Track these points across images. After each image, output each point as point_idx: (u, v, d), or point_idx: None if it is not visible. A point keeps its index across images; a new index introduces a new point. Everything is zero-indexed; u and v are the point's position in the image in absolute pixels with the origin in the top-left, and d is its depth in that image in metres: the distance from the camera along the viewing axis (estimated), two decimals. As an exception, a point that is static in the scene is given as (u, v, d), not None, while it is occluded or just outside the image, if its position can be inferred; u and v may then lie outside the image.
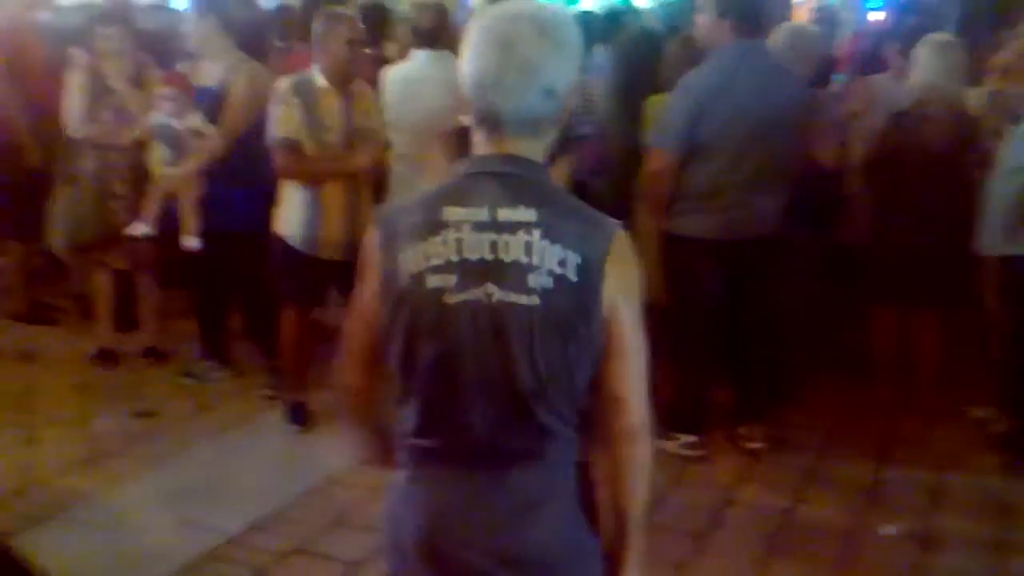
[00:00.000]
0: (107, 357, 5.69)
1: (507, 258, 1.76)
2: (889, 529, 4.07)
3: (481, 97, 1.78)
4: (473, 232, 1.78)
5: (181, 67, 5.39)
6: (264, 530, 4.04)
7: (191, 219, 5.19)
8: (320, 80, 4.55)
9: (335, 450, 4.64)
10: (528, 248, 1.76)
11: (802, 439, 4.86)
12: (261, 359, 5.45)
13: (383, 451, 2.03)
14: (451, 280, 1.77)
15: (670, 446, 4.61)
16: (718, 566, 3.84)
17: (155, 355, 5.74)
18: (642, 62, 5.32)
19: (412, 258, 1.79)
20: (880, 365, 5.14)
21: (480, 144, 1.84)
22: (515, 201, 1.79)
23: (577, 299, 1.76)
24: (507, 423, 1.81)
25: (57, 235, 5.63)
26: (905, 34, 5.37)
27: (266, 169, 4.66)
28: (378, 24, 6.42)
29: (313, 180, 4.61)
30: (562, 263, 1.75)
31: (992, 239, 4.49)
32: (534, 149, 1.83)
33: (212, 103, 5.14)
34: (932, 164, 4.69)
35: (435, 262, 1.78)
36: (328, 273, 4.68)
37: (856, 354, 5.41)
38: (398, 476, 1.96)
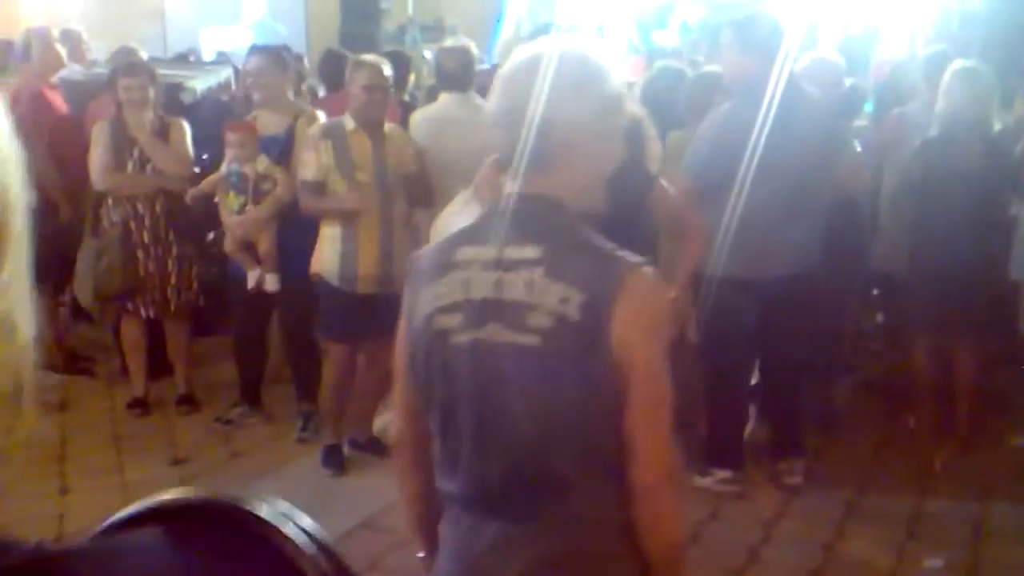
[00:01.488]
0: (140, 406, 5.71)
1: (508, 297, 1.74)
2: (934, 562, 3.98)
3: (503, 134, 1.78)
4: (480, 271, 1.77)
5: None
6: (299, 577, 4.00)
7: (272, 260, 5.20)
8: (349, 123, 4.67)
9: (369, 494, 4.66)
10: (529, 286, 1.73)
11: (841, 473, 4.78)
12: (301, 402, 5.43)
13: (424, 500, 1.97)
14: (457, 320, 1.77)
15: (707, 482, 4.55)
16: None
17: (188, 403, 5.75)
18: (664, 98, 5.31)
19: (425, 299, 1.81)
20: (918, 394, 5.06)
21: (507, 183, 1.83)
22: (523, 239, 1.76)
23: (581, 339, 1.69)
24: (518, 470, 1.76)
25: (84, 287, 5.67)
26: (930, 62, 5.34)
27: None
28: (401, 72, 6.50)
29: (346, 218, 4.72)
30: (564, 301, 1.69)
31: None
32: (558, 186, 1.77)
33: (278, 150, 5.19)
34: (962, 191, 4.64)
35: (444, 302, 1.79)
36: (367, 308, 4.71)
37: (894, 384, 5.35)
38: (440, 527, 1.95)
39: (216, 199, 5.28)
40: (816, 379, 4.92)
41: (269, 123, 5.26)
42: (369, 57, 4.98)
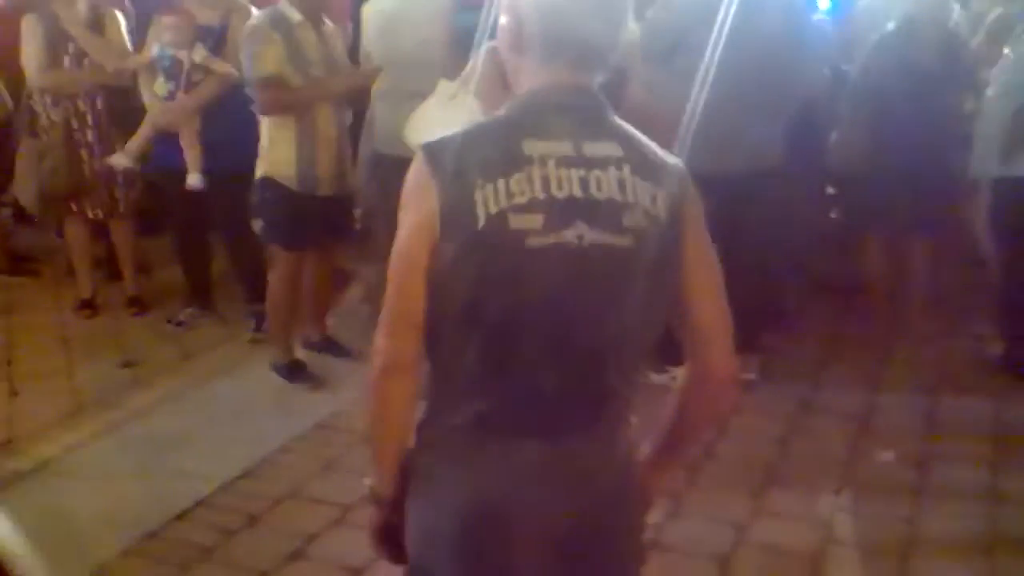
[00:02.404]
0: (88, 308, 5.61)
1: (600, 195, 1.63)
2: (886, 455, 4.05)
3: (560, 25, 1.65)
4: (559, 168, 1.63)
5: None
6: (255, 476, 3.99)
7: (195, 155, 5.05)
8: (295, 15, 4.47)
9: (325, 394, 4.64)
10: (622, 184, 1.65)
11: (795, 369, 4.83)
12: (251, 302, 5.35)
13: (407, 431, 1.81)
14: (537, 221, 1.61)
15: (663, 379, 4.52)
16: (713, 499, 3.79)
17: (137, 304, 5.65)
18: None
19: (491, 196, 1.61)
20: (872, 292, 5.10)
21: (539, 75, 1.69)
22: (598, 135, 1.67)
23: (667, 238, 1.66)
24: (573, 384, 1.69)
25: (25, 188, 5.50)
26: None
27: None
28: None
29: (301, 112, 4.53)
30: (654, 200, 1.66)
31: (984, 162, 4.43)
32: (596, 82, 1.72)
33: (212, 42, 5.03)
34: (918, 87, 4.60)
35: (518, 201, 1.61)
36: (321, 211, 4.64)
37: (848, 281, 5.38)
38: (422, 459, 1.78)
39: (140, 82, 5.12)
40: (770, 276, 4.92)
41: (202, 14, 5.08)
42: None
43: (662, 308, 1.71)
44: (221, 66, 4.98)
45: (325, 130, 4.59)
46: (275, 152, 4.57)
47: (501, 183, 1.61)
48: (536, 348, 1.65)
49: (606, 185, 1.63)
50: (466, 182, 1.61)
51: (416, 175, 1.68)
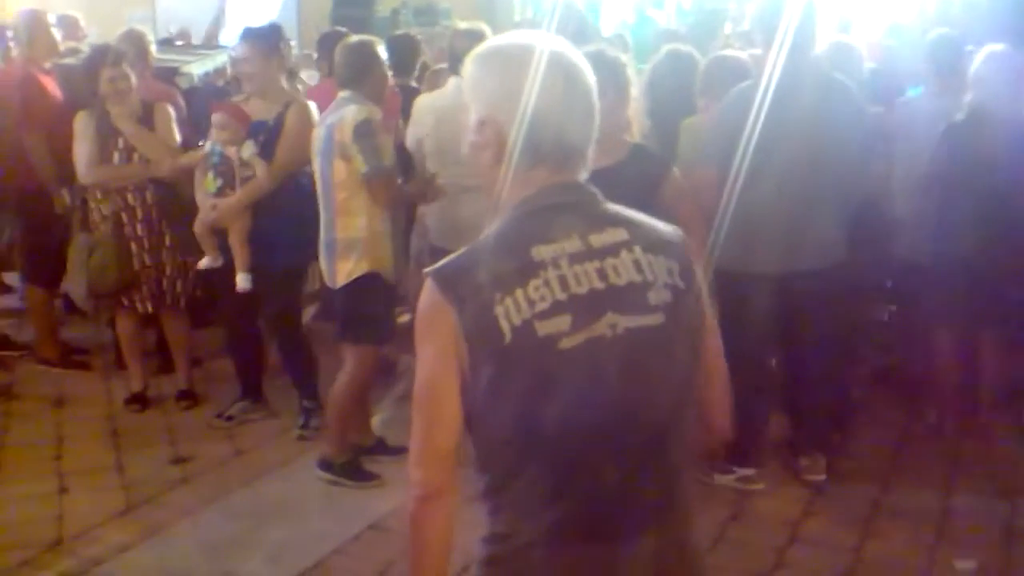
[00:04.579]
0: (139, 402, 5.56)
1: (620, 281, 1.65)
2: (967, 564, 3.86)
3: (546, 129, 1.67)
4: (573, 265, 1.64)
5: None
6: (308, 582, 3.88)
7: (244, 255, 5.02)
8: (377, 113, 4.50)
9: (377, 494, 4.52)
10: (638, 265, 1.68)
11: (864, 469, 4.66)
12: (301, 398, 5.28)
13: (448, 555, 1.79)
14: (564, 322, 1.60)
15: (729, 480, 4.42)
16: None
17: (189, 398, 5.60)
18: (675, 83, 5.15)
19: (512, 308, 1.60)
20: (941, 387, 4.94)
21: (528, 178, 1.70)
22: (601, 225, 1.70)
23: (691, 305, 1.71)
24: (639, 475, 1.68)
25: (76, 284, 5.50)
26: (938, 47, 5.18)
27: (310, 204, 4.60)
28: (406, 56, 6.35)
29: (391, 211, 4.59)
30: (671, 272, 1.70)
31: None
32: (583, 176, 1.75)
33: (264, 137, 5.03)
34: (989, 178, 4.50)
35: (541, 307, 1.60)
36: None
37: (910, 376, 5.23)
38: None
39: (195, 179, 5.12)
40: (834, 373, 4.79)
41: (258, 109, 5.09)
42: (369, 39, 4.77)
43: (698, 373, 1.76)
44: (260, 166, 4.97)
45: (397, 226, 4.66)
46: (376, 248, 4.50)
47: (520, 293, 1.60)
48: (596, 447, 1.65)
49: (624, 270, 1.66)
50: (484, 300, 1.60)
51: (429, 302, 1.66)
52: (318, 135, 4.54)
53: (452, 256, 1.69)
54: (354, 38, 4.75)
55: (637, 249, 1.68)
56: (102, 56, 5.32)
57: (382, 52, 4.62)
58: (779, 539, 4.09)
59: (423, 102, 5.02)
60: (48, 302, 6.24)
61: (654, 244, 1.70)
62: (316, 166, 4.56)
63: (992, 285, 4.53)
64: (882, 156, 4.87)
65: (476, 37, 4.74)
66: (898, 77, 5.80)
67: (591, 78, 1.72)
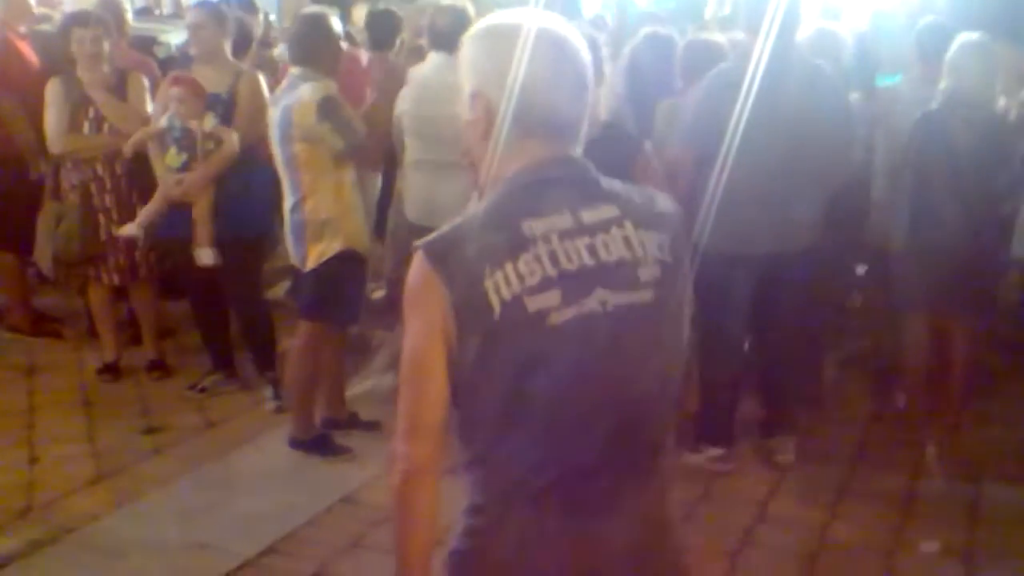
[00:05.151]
0: (111, 372, 5.53)
1: (611, 258, 1.65)
2: (931, 546, 3.92)
3: (535, 101, 1.67)
4: (564, 240, 1.64)
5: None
6: (281, 553, 3.88)
7: (205, 228, 4.99)
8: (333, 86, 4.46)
9: (349, 467, 4.54)
10: (628, 242, 1.67)
11: (832, 451, 4.71)
12: (264, 370, 5.29)
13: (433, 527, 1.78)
14: (554, 298, 1.61)
15: (698, 459, 4.46)
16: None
17: (159, 368, 5.58)
18: (654, 66, 5.15)
19: (502, 283, 1.59)
20: (911, 372, 4.99)
21: (521, 152, 1.69)
22: (593, 200, 1.69)
23: (678, 280, 1.71)
24: (625, 448, 1.70)
25: (43, 252, 5.46)
26: (926, 34, 5.21)
27: (264, 174, 4.60)
28: (388, 30, 6.34)
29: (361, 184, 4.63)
30: (661, 248, 1.70)
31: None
32: (576, 151, 1.74)
33: (221, 109, 5.00)
34: (963, 168, 4.54)
35: (531, 282, 1.60)
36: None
37: (880, 361, 5.29)
38: (477, 553, 1.75)
39: (151, 153, 5.08)
40: (805, 356, 4.84)
41: (210, 80, 5.05)
42: (319, 10, 4.65)
43: (684, 347, 1.77)
44: (230, 136, 4.95)
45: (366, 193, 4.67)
46: (348, 223, 4.47)
47: (509, 268, 1.60)
48: (581, 423, 1.66)
49: (614, 246, 1.66)
50: (473, 273, 1.60)
51: (419, 275, 1.65)
52: (274, 117, 4.46)
53: (442, 229, 1.68)
54: (307, 11, 4.65)
55: (628, 225, 1.68)
56: (75, 20, 5.27)
57: (336, 25, 4.53)
58: (747, 518, 4.14)
59: (415, 70, 5.01)
60: (19, 269, 6.18)
61: (645, 219, 1.70)
62: (275, 148, 4.47)
63: (963, 272, 4.56)
64: (862, 142, 4.90)
65: (458, 14, 4.75)
66: (880, 64, 5.82)
67: (585, 55, 1.72)
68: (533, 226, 1.64)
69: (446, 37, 4.68)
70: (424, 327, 1.64)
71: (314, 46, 4.43)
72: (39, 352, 5.90)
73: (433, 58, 4.84)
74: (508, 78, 1.67)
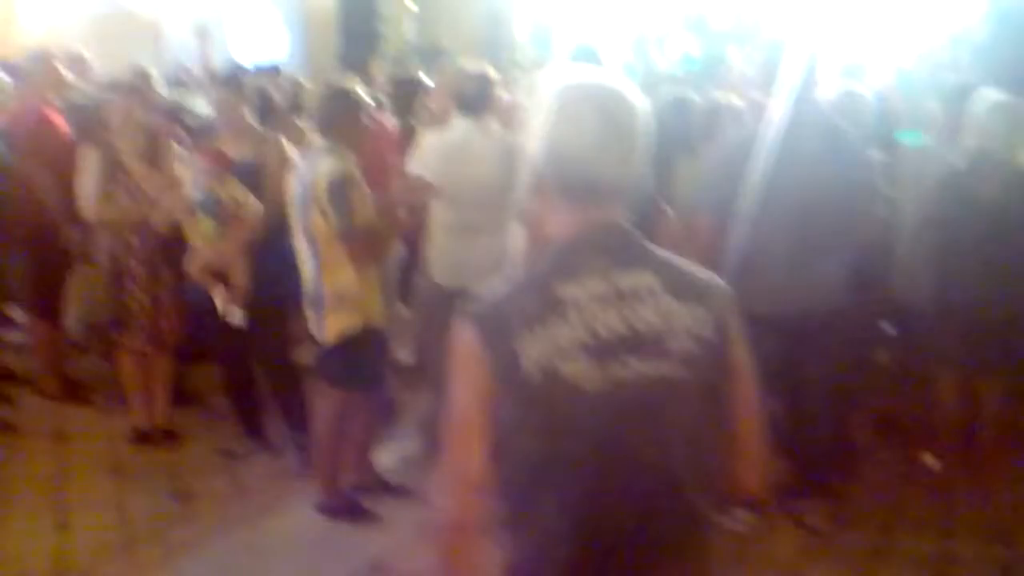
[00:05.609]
0: (141, 437, 5.56)
1: (642, 327, 1.66)
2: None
3: (583, 167, 1.70)
4: (597, 306, 1.66)
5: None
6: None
7: (238, 292, 5.06)
8: (352, 158, 4.46)
9: (377, 533, 4.52)
10: (662, 312, 1.68)
11: (864, 513, 4.66)
12: (293, 433, 5.28)
13: None
14: (585, 363, 1.63)
15: (726, 521, 4.41)
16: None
17: (172, 438, 5.56)
18: (673, 126, 5.19)
19: (536, 347, 1.63)
20: (942, 431, 4.94)
21: (565, 215, 1.73)
22: (631, 267, 1.70)
23: (715, 357, 1.70)
24: (655, 517, 1.69)
25: (72, 316, 5.53)
26: (953, 93, 5.24)
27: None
28: (410, 96, 6.43)
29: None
30: (696, 321, 1.69)
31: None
32: (622, 216, 1.76)
33: (249, 177, 5.08)
34: (989, 225, 4.54)
35: (564, 346, 1.63)
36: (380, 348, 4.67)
37: (908, 419, 5.24)
38: None
39: (184, 223, 5.16)
40: (835, 416, 4.80)
41: (235, 148, 5.15)
42: (348, 83, 4.71)
43: (726, 418, 1.76)
44: (253, 202, 5.02)
45: (385, 273, 4.68)
46: (368, 300, 4.47)
47: (543, 331, 1.63)
48: (611, 488, 1.66)
49: (646, 315, 1.67)
50: (509, 337, 1.64)
51: (462, 340, 1.70)
52: (295, 188, 4.48)
53: (485, 293, 1.73)
54: (335, 83, 4.72)
55: (663, 294, 1.69)
56: (111, 92, 5.39)
57: (363, 98, 4.57)
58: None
59: (429, 142, 5.07)
60: (52, 336, 6.24)
61: (684, 291, 1.71)
62: (296, 218, 4.49)
63: (991, 330, 4.54)
64: (885, 201, 4.91)
65: (482, 80, 4.81)
66: (903, 121, 5.85)
67: (636, 118, 1.73)
68: (567, 290, 1.66)
69: (471, 102, 4.75)
70: (467, 388, 1.69)
71: (339, 120, 4.45)
72: (69, 418, 5.93)
73: (459, 123, 4.90)
74: (550, 141, 1.71)
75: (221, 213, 5.04)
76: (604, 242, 1.71)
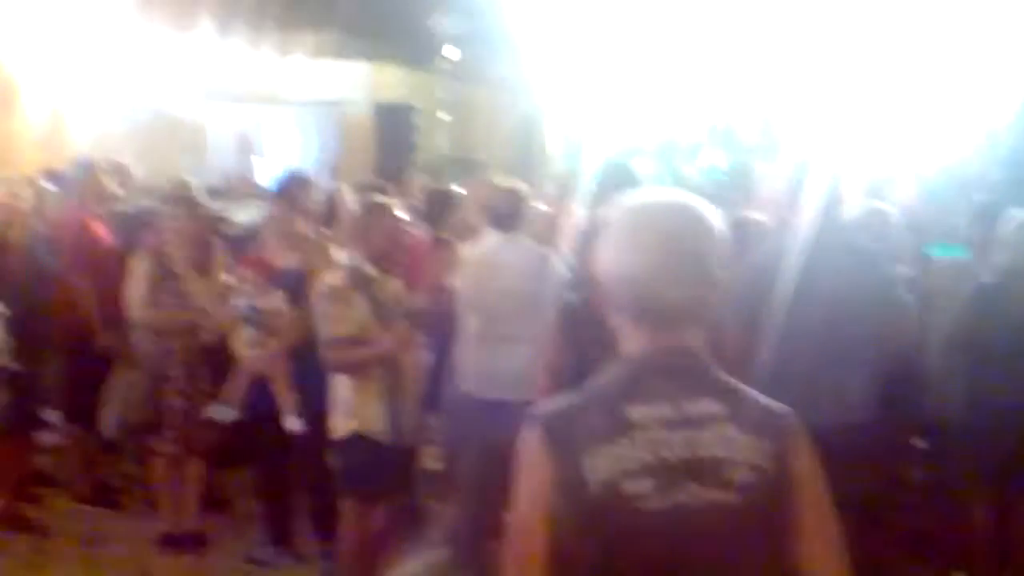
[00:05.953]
0: (169, 541, 5.57)
1: (706, 454, 1.69)
2: None
3: (645, 290, 1.74)
4: (663, 430, 1.69)
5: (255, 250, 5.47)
6: None
7: (289, 399, 5.13)
8: (371, 269, 4.57)
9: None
10: (726, 442, 1.70)
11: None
12: (324, 544, 5.28)
13: None
14: (647, 485, 1.67)
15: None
16: None
17: (198, 541, 5.58)
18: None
19: (602, 464, 1.67)
20: (975, 548, 4.88)
21: (636, 336, 1.77)
22: (698, 394, 1.73)
23: (775, 489, 1.71)
24: None
25: (109, 416, 5.61)
26: (984, 210, 5.31)
27: None
28: (443, 208, 6.56)
29: (389, 368, 4.57)
30: (759, 454, 1.71)
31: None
32: (696, 339, 1.78)
33: (293, 284, 5.19)
34: (1020, 342, 4.55)
35: (629, 466, 1.67)
36: (403, 458, 4.65)
37: (937, 534, 5.17)
38: None
39: (230, 333, 5.27)
40: (864, 534, 4.75)
41: (282, 257, 5.28)
42: (386, 199, 4.95)
43: (785, 550, 1.74)
44: (288, 313, 5.13)
45: (408, 377, 4.65)
46: (365, 408, 4.53)
47: (609, 450, 1.67)
48: None
49: (711, 444, 1.69)
50: (575, 450, 1.67)
51: (527, 446, 1.73)
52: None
53: (553, 403, 1.77)
54: (374, 197, 4.91)
55: (729, 424, 1.71)
56: (159, 202, 5.57)
57: (401, 217, 4.70)
58: None
59: (463, 255, 5.17)
60: (85, 439, 6.32)
61: (749, 422, 1.73)
62: None
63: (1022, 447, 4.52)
64: (915, 317, 4.93)
65: (515, 196, 4.94)
66: (931, 236, 5.89)
67: (705, 240, 1.75)
68: (636, 412, 1.69)
69: (503, 217, 4.87)
70: (529, 494, 1.72)
71: (369, 231, 4.63)
72: (99, 521, 5.95)
73: (491, 237, 5.00)
74: (616, 264, 1.75)
75: (261, 322, 5.13)
76: (675, 368, 1.75)
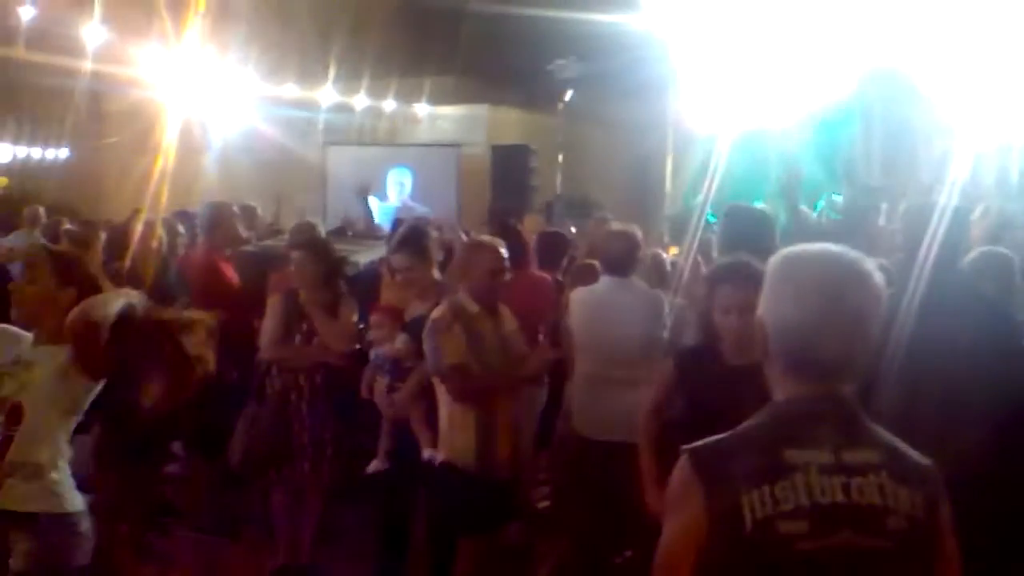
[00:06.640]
0: (284, 574, 5.70)
1: (862, 501, 1.73)
2: None
3: (805, 343, 1.78)
4: (821, 475, 1.73)
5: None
6: None
7: (428, 433, 5.12)
8: (472, 306, 4.64)
9: None
10: (882, 490, 1.75)
11: None
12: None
13: None
14: (803, 526, 1.71)
15: None
16: None
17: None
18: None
19: (757, 502, 1.72)
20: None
21: (789, 383, 1.81)
22: (855, 442, 1.78)
23: (928, 540, 1.76)
24: None
25: (236, 450, 5.78)
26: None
27: None
28: (556, 250, 6.63)
29: (488, 399, 4.64)
30: (913, 504, 1.75)
31: None
32: (848, 389, 1.83)
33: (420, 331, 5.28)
34: None
35: (785, 507, 1.72)
36: (497, 494, 4.65)
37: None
38: None
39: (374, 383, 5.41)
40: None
41: (413, 305, 5.37)
42: (487, 239, 5.01)
43: None
44: (413, 356, 5.16)
45: (504, 416, 4.66)
46: (455, 439, 4.61)
47: (767, 490, 1.71)
48: None
49: (868, 491, 1.74)
50: (732, 488, 1.72)
51: (681, 478, 1.79)
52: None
53: (710, 440, 1.81)
54: (482, 239, 5.01)
55: (884, 474, 1.76)
56: (296, 246, 5.78)
57: (502, 258, 4.74)
58: None
59: (577, 296, 5.22)
60: (209, 472, 6.52)
61: (903, 473, 1.78)
62: None
63: None
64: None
65: (628, 239, 4.98)
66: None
67: (862, 293, 1.78)
68: (794, 456, 1.74)
69: (617, 262, 4.91)
70: (679, 527, 1.77)
71: (470, 271, 4.72)
72: (219, 552, 6.11)
73: (605, 281, 5.05)
74: (774, 316, 1.80)
75: (392, 368, 5.25)
76: (831, 416, 1.79)
